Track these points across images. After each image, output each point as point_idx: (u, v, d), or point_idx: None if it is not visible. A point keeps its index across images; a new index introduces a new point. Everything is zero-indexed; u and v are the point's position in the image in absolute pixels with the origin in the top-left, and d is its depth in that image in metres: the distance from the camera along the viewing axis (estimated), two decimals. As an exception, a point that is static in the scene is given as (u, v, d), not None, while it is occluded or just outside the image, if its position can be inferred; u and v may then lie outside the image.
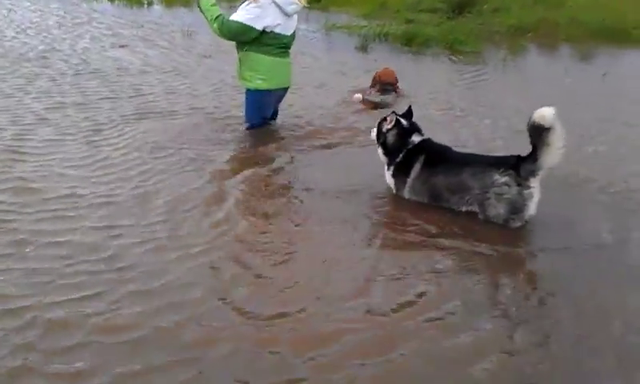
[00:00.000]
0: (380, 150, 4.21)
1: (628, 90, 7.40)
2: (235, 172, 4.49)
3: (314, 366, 2.52)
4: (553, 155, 3.53)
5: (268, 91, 5.28)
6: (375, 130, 4.25)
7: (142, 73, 7.50)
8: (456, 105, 6.61)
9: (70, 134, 5.16)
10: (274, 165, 4.67)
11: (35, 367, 2.46)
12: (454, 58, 9.18)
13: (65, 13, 11.87)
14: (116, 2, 13.38)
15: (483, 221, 3.78)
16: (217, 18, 4.98)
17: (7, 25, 10.46)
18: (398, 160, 4.07)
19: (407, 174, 4.02)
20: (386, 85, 6.74)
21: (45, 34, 9.66)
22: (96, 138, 5.09)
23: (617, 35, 9.99)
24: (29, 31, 9.90)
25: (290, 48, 5.34)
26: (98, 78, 7.13)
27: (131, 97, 6.41)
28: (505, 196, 3.66)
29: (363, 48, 9.68)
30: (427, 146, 4.07)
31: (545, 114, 3.46)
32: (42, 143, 4.94)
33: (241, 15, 4.95)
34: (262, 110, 5.37)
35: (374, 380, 2.46)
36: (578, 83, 7.84)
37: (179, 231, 3.59)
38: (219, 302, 2.93)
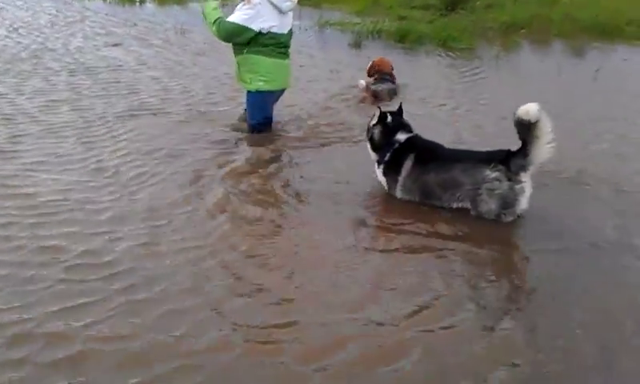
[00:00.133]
0: (368, 146, 4.22)
1: (622, 85, 7.44)
2: (232, 173, 4.47)
3: (320, 375, 2.49)
4: (543, 150, 3.56)
5: (269, 92, 5.29)
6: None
7: (136, 72, 7.48)
8: (452, 100, 6.64)
9: (63, 135, 5.13)
10: (272, 165, 4.65)
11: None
12: (447, 54, 9.19)
13: (57, 11, 11.83)
14: (108, 0, 13.34)
15: (475, 217, 3.80)
16: (215, 21, 5.02)
17: (-1, 24, 10.42)
18: (386, 159, 4.08)
19: (398, 173, 4.02)
20: (384, 74, 6.85)
21: (37, 33, 9.62)
22: (90, 139, 5.06)
23: (610, 31, 10.03)
24: (21, 30, 9.85)
25: (289, 47, 5.34)
26: (91, 77, 7.11)
27: (125, 96, 6.39)
28: (496, 191, 3.69)
29: (357, 45, 9.68)
30: (416, 143, 4.08)
31: (529, 109, 3.49)
32: (34, 144, 4.90)
33: (236, 16, 4.97)
34: (264, 109, 5.37)
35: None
36: (571, 79, 7.87)
37: (176, 236, 3.55)
38: (220, 310, 2.88)
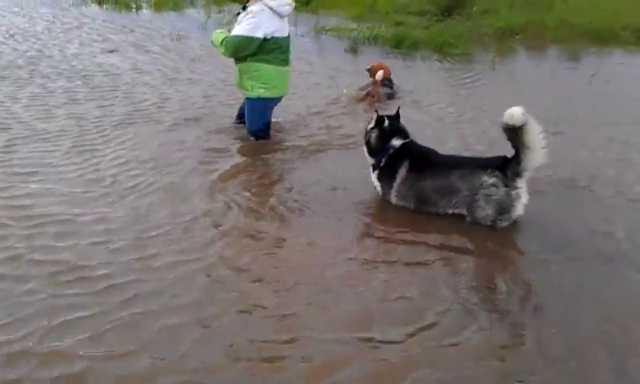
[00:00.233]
0: (365, 150, 4.23)
1: (618, 90, 7.49)
2: (230, 181, 4.45)
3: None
4: (536, 155, 3.59)
5: (270, 99, 5.34)
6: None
7: (132, 78, 7.47)
8: (453, 106, 6.69)
9: (59, 143, 5.08)
10: (271, 173, 4.64)
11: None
12: (444, 60, 9.23)
13: (54, 17, 11.79)
14: (105, 7, 13.34)
15: (474, 226, 3.80)
16: (222, 41, 5.10)
17: (-5, 30, 10.40)
18: (382, 164, 4.09)
19: (393, 178, 4.03)
20: (384, 79, 6.99)
21: (34, 40, 9.59)
22: (86, 147, 5.02)
23: (605, 36, 10.10)
24: (17, 37, 9.82)
25: (289, 53, 5.38)
26: (88, 83, 7.09)
27: (122, 103, 6.37)
28: (493, 197, 3.70)
29: (353, 50, 9.71)
30: (411, 149, 4.09)
31: (513, 113, 3.53)
32: (29, 153, 4.85)
33: (239, 29, 5.03)
34: (264, 116, 5.40)
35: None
36: (568, 84, 7.92)
37: (174, 247, 3.50)
38: (221, 325, 2.83)
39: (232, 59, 5.28)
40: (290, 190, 4.36)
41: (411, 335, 2.78)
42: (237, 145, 5.23)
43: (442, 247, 3.59)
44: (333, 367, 2.57)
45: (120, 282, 3.13)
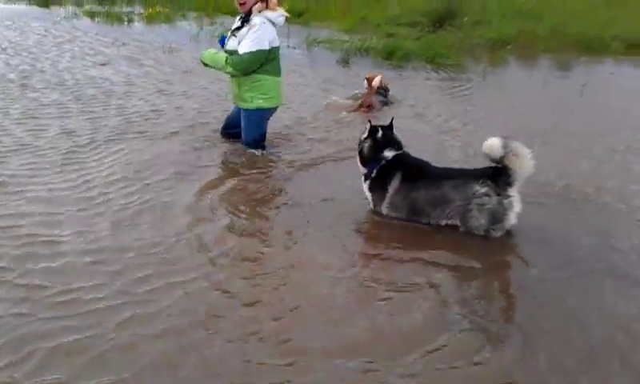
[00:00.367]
0: (357, 160, 4.23)
1: (609, 100, 7.55)
2: (223, 196, 4.40)
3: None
4: (524, 168, 3.64)
5: (268, 109, 5.40)
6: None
7: (125, 92, 7.46)
8: (450, 116, 6.73)
9: (51, 160, 5.00)
10: (264, 188, 4.59)
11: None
12: (436, 71, 9.28)
13: (46, 31, 11.83)
14: (97, 20, 13.38)
15: (465, 233, 3.81)
16: (227, 61, 5.09)
17: (-14, 45, 10.39)
18: (373, 175, 4.09)
19: (385, 189, 4.03)
20: (380, 88, 7.09)
21: (26, 54, 9.60)
22: (79, 164, 4.95)
23: (595, 46, 10.20)
24: (9, 50, 9.83)
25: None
26: (80, 98, 7.07)
27: (115, 117, 6.34)
28: (486, 206, 3.71)
29: (345, 62, 9.76)
30: (403, 160, 4.09)
31: (492, 145, 3.63)
32: (19, 169, 4.77)
33: (248, 45, 5.03)
34: (261, 126, 5.45)
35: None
36: (559, 94, 7.98)
37: (169, 258, 3.47)
38: (218, 350, 2.72)
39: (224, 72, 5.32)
40: (282, 206, 4.29)
41: (419, 358, 2.68)
42: (231, 159, 5.20)
43: (439, 265, 3.46)
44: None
45: (112, 291, 3.11)
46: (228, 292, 3.17)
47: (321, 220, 4.04)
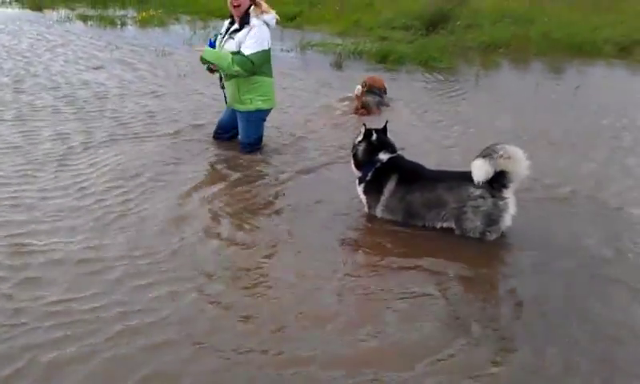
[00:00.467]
0: (352, 163, 4.24)
1: (602, 102, 7.60)
2: (219, 200, 4.39)
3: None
4: (519, 169, 3.66)
5: (266, 111, 5.47)
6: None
7: (119, 95, 7.43)
8: (437, 118, 6.77)
9: (45, 165, 4.97)
10: (261, 193, 4.57)
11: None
12: (428, 74, 9.31)
13: (39, 35, 11.77)
14: (89, 23, 13.34)
15: (460, 236, 3.83)
16: (232, 59, 5.08)
17: (-22, 49, 10.33)
18: (368, 178, 4.10)
19: (380, 192, 4.04)
20: (374, 88, 7.21)
21: (19, 58, 9.55)
22: (72, 168, 4.92)
23: (587, 49, 10.28)
24: (2, 54, 9.78)
25: None
26: (74, 101, 7.04)
27: (109, 121, 6.32)
28: (481, 208, 3.72)
29: (338, 65, 9.78)
30: (398, 163, 4.10)
31: (477, 165, 3.68)
32: (12, 176, 4.72)
33: (252, 45, 5.08)
34: (259, 128, 5.53)
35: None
36: (553, 96, 8.02)
37: (163, 265, 3.45)
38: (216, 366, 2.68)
39: (221, 76, 5.34)
40: (279, 212, 4.28)
41: (425, 369, 2.65)
42: (226, 163, 5.19)
43: (437, 273, 3.44)
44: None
45: (106, 300, 3.08)
46: (225, 303, 3.14)
47: (317, 225, 4.05)
